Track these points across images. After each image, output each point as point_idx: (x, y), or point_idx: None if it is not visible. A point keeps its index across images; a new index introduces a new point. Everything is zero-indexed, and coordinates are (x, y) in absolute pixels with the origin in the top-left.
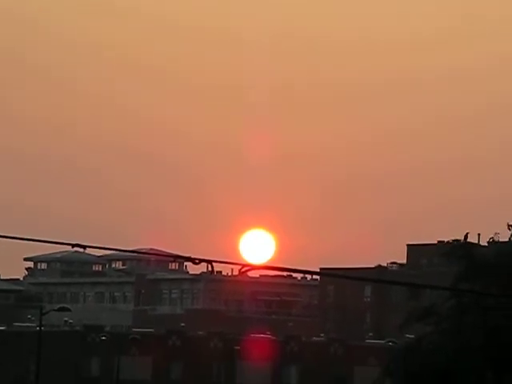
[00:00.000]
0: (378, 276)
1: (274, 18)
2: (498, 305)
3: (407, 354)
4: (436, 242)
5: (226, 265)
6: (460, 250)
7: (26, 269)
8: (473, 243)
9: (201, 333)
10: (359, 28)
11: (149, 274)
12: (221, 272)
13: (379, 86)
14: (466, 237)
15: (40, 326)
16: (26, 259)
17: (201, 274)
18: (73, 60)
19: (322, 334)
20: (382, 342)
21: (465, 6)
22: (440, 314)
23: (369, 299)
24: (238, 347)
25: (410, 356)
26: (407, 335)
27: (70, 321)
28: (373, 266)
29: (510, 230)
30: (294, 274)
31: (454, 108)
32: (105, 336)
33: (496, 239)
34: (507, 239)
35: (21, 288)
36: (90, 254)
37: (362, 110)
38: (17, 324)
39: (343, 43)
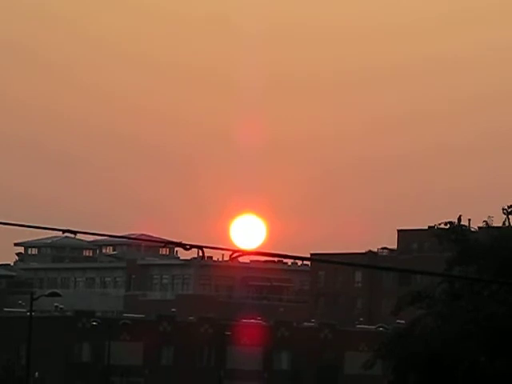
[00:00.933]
0: (368, 261)
1: (268, 4)
2: (491, 290)
3: (399, 339)
4: (426, 227)
5: (217, 250)
6: (453, 233)
7: (17, 254)
8: (465, 226)
9: (191, 318)
10: (351, 15)
11: (139, 259)
12: (211, 257)
13: (371, 73)
14: (459, 219)
15: (31, 312)
16: (16, 244)
17: (191, 259)
18: (68, 49)
19: (312, 320)
20: (373, 327)
21: None
22: (432, 298)
23: (359, 284)
24: (229, 332)
25: (403, 340)
26: (398, 320)
27: (61, 306)
28: (364, 251)
29: (504, 214)
30: (285, 260)
31: (444, 95)
32: (96, 321)
33: (489, 223)
34: (499, 224)
35: (11, 273)
36: (80, 240)
37: (352, 96)
38: (7, 309)
39: (336, 30)
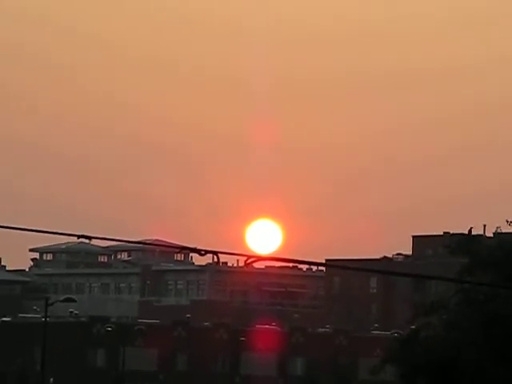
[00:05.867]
0: (383, 267)
1: (279, 8)
2: (503, 297)
3: (405, 345)
4: (441, 233)
5: (232, 256)
6: (465, 245)
7: (32, 260)
8: (478, 235)
9: (206, 324)
10: (364, 19)
11: (154, 264)
12: (226, 263)
13: (386, 77)
14: (469, 231)
15: (46, 317)
16: (31, 250)
17: (206, 264)
18: (74, 53)
19: (327, 325)
20: (388, 333)
21: None
22: (447, 308)
23: (374, 290)
24: (244, 338)
25: (409, 347)
26: (413, 326)
27: (76, 312)
28: (378, 257)
29: (510, 225)
30: (300, 265)
31: (459, 100)
32: (110, 327)
33: (499, 231)
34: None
35: (27, 279)
36: (95, 245)
37: (367, 100)
38: (22, 315)
39: (348, 34)
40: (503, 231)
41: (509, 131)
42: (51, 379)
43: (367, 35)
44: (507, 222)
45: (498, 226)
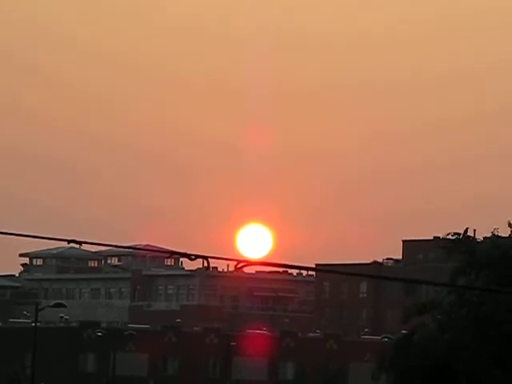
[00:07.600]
0: (374, 272)
1: (276, 16)
2: (497, 300)
3: (399, 350)
4: (431, 237)
5: (222, 260)
6: (461, 245)
7: (22, 265)
8: (471, 237)
9: (197, 329)
10: (361, 27)
11: (144, 269)
12: (216, 268)
13: (378, 85)
14: (465, 232)
15: (36, 322)
16: (21, 255)
17: (196, 269)
18: (72, 60)
19: (317, 330)
20: (378, 337)
21: (467, 4)
22: (440, 308)
23: (365, 295)
24: (234, 343)
25: (403, 352)
26: (403, 331)
27: (66, 317)
28: (369, 261)
29: (510, 227)
30: (290, 270)
31: (452, 107)
32: (101, 332)
33: (495, 234)
34: (505, 234)
35: (16, 284)
36: (85, 250)
37: (360, 107)
38: (12, 320)
39: (344, 42)
40: (497, 235)
41: (502, 139)
42: None
43: (363, 42)
44: (509, 224)
45: (488, 231)
